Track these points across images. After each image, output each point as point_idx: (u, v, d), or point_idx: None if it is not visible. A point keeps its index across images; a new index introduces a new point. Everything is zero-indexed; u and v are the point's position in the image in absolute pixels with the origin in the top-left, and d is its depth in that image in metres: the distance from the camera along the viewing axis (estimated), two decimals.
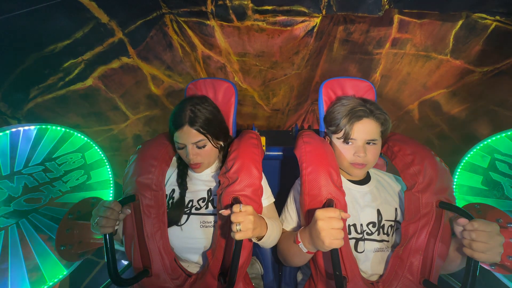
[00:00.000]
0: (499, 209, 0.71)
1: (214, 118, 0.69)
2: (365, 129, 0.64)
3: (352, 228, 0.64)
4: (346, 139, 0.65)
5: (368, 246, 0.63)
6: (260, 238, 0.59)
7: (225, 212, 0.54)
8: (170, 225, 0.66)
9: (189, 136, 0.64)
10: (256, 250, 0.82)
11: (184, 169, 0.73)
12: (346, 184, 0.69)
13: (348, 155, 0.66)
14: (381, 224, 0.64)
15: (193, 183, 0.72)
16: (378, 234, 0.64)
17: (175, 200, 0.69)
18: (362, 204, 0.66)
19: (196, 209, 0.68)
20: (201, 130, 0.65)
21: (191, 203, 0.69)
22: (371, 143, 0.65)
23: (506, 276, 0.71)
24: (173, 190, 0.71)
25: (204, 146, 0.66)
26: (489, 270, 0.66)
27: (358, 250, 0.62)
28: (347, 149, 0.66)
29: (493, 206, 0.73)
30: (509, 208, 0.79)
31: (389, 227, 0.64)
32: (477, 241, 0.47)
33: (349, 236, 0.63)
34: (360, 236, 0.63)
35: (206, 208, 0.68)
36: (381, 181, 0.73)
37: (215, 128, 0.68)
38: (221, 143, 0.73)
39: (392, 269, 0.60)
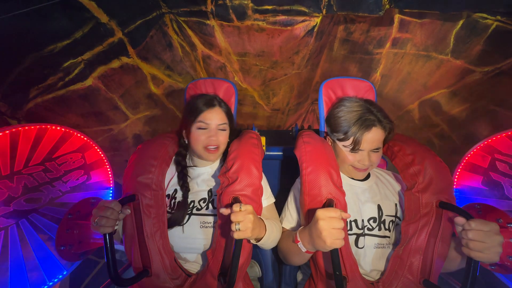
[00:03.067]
0: (499, 209, 0.71)
1: (231, 114, 0.76)
2: (373, 139, 0.63)
3: (353, 223, 0.64)
4: (355, 149, 0.64)
5: (368, 242, 0.63)
6: (258, 240, 0.59)
7: (225, 211, 0.54)
8: (172, 226, 0.66)
9: (218, 116, 0.70)
10: (256, 250, 0.82)
11: (183, 169, 0.73)
12: (347, 181, 0.69)
13: (352, 161, 0.66)
14: (382, 219, 0.65)
15: (194, 183, 0.72)
16: (379, 229, 0.64)
17: (177, 201, 0.69)
18: (363, 199, 0.67)
19: (197, 209, 0.68)
20: (227, 115, 0.73)
21: (192, 203, 0.69)
22: (375, 151, 0.65)
23: (506, 276, 0.71)
24: (176, 191, 0.71)
25: (224, 130, 0.71)
26: (489, 270, 0.66)
27: (359, 246, 0.63)
28: (352, 155, 0.66)
29: (493, 206, 0.73)
30: (509, 208, 0.79)
31: (390, 222, 0.65)
32: (474, 241, 0.47)
33: (350, 232, 0.63)
34: (361, 231, 0.63)
35: (207, 208, 0.68)
36: (381, 178, 0.73)
37: (232, 120, 0.75)
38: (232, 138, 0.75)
39: (392, 269, 0.60)
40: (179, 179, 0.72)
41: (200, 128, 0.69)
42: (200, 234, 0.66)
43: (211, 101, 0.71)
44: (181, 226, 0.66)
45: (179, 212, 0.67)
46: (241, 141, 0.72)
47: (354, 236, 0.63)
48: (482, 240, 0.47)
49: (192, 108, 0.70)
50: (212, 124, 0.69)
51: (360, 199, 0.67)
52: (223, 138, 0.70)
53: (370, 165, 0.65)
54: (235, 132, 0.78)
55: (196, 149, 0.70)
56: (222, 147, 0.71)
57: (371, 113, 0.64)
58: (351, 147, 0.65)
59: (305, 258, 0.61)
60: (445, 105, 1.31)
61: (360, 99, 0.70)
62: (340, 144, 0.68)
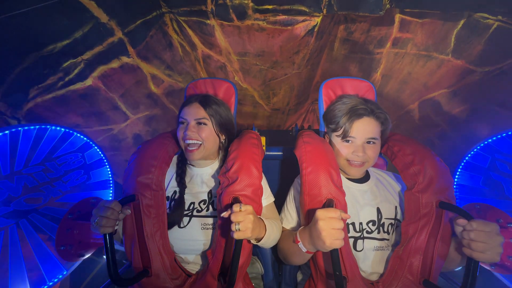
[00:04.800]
0: (499, 209, 0.72)
1: (222, 111, 0.73)
2: (365, 128, 0.64)
3: (350, 226, 0.64)
4: (345, 136, 0.65)
5: (367, 245, 0.63)
6: (258, 240, 0.59)
7: (226, 214, 0.54)
8: (171, 226, 0.66)
9: (195, 112, 0.69)
10: (256, 249, 0.82)
11: (183, 166, 0.73)
12: (346, 183, 0.69)
13: (346, 153, 0.66)
14: (381, 222, 0.64)
15: (193, 183, 0.72)
16: (378, 232, 0.64)
17: (175, 201, 0.69)
18: (361, 202, 0.66)
19: (198, 211, 0.68)
20: (208, 110, 0.70)
21: (192, 205, 0.69)
22: (370, 142, 0.65)
23: (506, 276, 0.71)
24: (175, 192, 0.71)
25: (205, 124, 0.69)
26: (489, 270, 0.66)
27: (357, 249, 0.62)
28: (345, 147, 0.66)
29: (493, 206, 0.73)
30: (509, 208, 0.79)
31: (389, 225, 0.65)
32: (476, 241, 0.47)
33: (348, 235, 0.63)
34: (359, 234, 0.63)
35: (207, 210, 0.68)
36: (381, 179, 0.73)
37: (220, 117, 0.72)
38: (223, 136, 0.73)
39: (392, 269, 0.60)
40: (177, 176, 0.72)
41: (180, 123, 0.70)
42: (201, 236, 0.66)
43: (190, 98, 0.72)
44: (182, 228, 0.66)
45: (176, 211, 0.67)
46: (241, 141, 0.71)
47: (352, 240, 0.63)
48: (484, 241, 0.47)
49: (179, 109, 0.73)
50: (190, 119, 0.69)
51: (359, 202, 0.67)
52: (204, 134, 0.68)
53: (366, 160, 0.65)
54: (229, 133, 0.76)
55: (181, 147, 0.71)
56: (206, 144, 0.69)
57: (364, 104, 0.66)
58: (342, 135, 0.65)
59: (306, 258, 0.61)
60: (446, 105, 1.31)
61: (359, 97, 0.70)
62: (333, 135, 0.69)
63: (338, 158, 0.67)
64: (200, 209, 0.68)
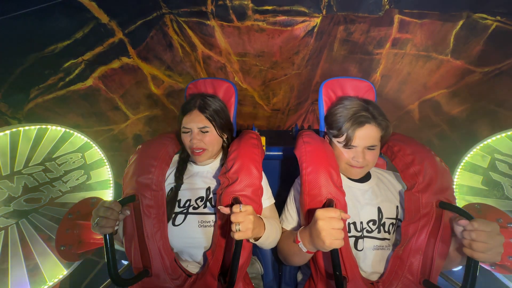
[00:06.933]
0: (499, 209, 0.72)
1: (222, 110, 0.74)
2: (366, 136, 0.64)
3: (352, 226, 0.64)
4: (347, 145, 0.65)
5: (367, 244, 0.62)
6: (257, 239, 0.59)
7: (224, 210, 0.54)
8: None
9: (197, 120, 0.69)
10: (256, 250, 0.82)
11: (184, 164, 0.74)
12: (346, 182, 0.69)
13: (347, 157, 0.66)
14: (382, 222, 0.64)
15: (192, 181, 0.72)
16: (379, 232, 0.64)
17: (169, 196, 0.69)
18: (362, 202, 0.66)
19: (194, 208, 0.68)
20: (209, 117, 0.70)
21: (188, 202, 0.69)
22: (370, 148, 0.65)
23: (506, 276, 0.71)
24: (171, 189, 0.71)
25: (207, 132, 0.70)
26: (489, 270, 0.66)
27: (358, 248, 0.62)
28: (346, 152, 0.66)
29: (493, 206, 0.73)
30: (509, 208, 0.79)
31: (390, 225, 0.64)
32: (477, 241, 0.47)
33: (349, 234, 0.63)
34: (360, 234, 0.63)
35: (205, 207, 0.68)
36: (382, 179, 0.73)
37: (221, 119, 0.73)
38: (225, 135, 0.75)
39: (392, 269, 0.60)
40: (176, 171, 0.72)
41: (184, 132, 0.71)
42: (199, 233, 0.65)
43: (189, 105, 0.72)
44: (178, 226, 0.66)
45: (168, 205, 0.67)
46: (241, 141, 0.72)
47: (353, 239, 0.63)
48: (485, 241, 0.46)
49: (179, 112, 0.74)
50: (192, 127, 0.69)
51: (360, 201, 0.67)
52: (207, 139, 0.70)
53: (366, 164, 0.65)
54: (230, 132, 0.76)
55: (187, 151, 0.73)
56: (211, 148, 0.71)
57: (366, 110, 0.65)
58: (344, 143, 0.65)
59: (306, 258, 0.61)
60: (445, 105, 1.32)
61: (359, 99, 0.70)
62: (334, 140, 0.68)
63: (339, 161, 0.68)
64: (196, 206, 0.68)
